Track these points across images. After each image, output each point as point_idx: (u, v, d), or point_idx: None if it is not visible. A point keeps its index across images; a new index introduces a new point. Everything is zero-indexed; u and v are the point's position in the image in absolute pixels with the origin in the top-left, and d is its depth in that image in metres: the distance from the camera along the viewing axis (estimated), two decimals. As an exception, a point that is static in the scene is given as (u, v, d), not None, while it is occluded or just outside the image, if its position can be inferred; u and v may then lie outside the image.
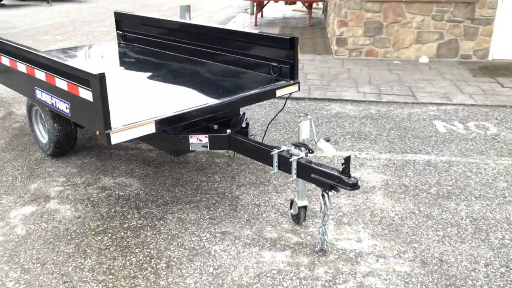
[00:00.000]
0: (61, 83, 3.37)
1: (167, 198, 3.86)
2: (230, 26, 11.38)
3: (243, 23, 12.13)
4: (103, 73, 2.93)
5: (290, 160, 3.17)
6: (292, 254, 3.18)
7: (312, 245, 3.26)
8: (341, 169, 2.93)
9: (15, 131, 5.22)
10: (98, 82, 2.92)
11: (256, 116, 5.66)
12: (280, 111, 4.75)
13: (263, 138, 4.57)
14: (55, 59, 3.37)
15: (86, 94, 3.09)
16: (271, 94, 3.96)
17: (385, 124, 5.45)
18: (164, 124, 3.34)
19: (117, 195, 3.89)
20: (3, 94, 6.39)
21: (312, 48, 9.30)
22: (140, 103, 3.67)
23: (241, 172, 4.28)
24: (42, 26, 12.59)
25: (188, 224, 3.51)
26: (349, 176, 2.90)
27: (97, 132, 3.10)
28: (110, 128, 3.05)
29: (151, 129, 3.26)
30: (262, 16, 13.37)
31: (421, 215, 3.64)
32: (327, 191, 3.04)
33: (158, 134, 3.76)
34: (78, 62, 5.06)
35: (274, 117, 5.23)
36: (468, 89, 6.67)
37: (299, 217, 3.46)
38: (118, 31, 5.96)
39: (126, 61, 5.11)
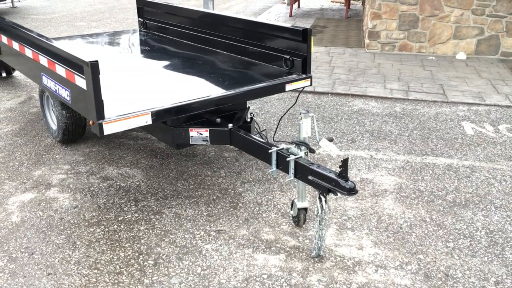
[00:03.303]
0: (61, 70, 3.30)
1: (168, 191, 3.75)
2: (261, 17, 11.19)
3: (278, 14, 11.89)
4: (96, 61, 2.84)
5: (288, 159, 3.00)
6: (287, 258, 3.01)
7: (309, 249, 3.08)
8: (338, 172, 2.73)
9: (31, 116, 5.24)
10: (90, 70, 2.83)
11: (273, 110, 5.47)
12: (292, 106, 4.56)
13: (274, 134, 4.38)
14: (55, 45, 3.30)
15: (81, 82, 3.01)
16: (279, 88, 3.77)
17: (408, 123, 5.16)
18: (161, 115, 3.21)
19: (118, 186, 3.82)
20: (26, 79, 6.45)
21: (345, 41, 8.99)
22: (143, 92, 3.57)
23: (248, 168, 4.13)
24: (80, 12, 12.74)
25: (184, 220, 3.39)
26: (346, 180, 2.70)
27: (90, 122, 3.02)
28: (103, 118, 2.96)
29: (147, 120, 3.14)
30: (298, 6, 13.09)
31: (433, 223, 3.39)
32: (324, 194, 2.85)
33: (159, 125, 3.66)
34: (90, 49, 5.01)
35: (286, 112, 5.03)
36: (505, 89, 6.26)
37: (298, 219, 3.28)
38: (139, 19, 5.89)
39: (141, 50, 5.02)
